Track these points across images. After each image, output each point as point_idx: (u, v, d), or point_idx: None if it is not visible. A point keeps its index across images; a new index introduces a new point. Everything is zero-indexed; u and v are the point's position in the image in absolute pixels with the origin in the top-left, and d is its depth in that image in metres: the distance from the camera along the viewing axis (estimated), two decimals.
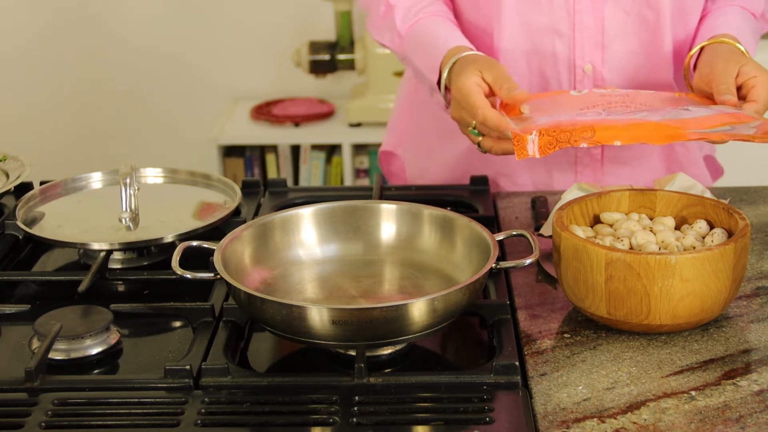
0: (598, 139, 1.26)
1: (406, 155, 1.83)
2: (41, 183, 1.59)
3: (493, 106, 1.39)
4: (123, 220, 1.43)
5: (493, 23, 1.57)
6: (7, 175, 1.63)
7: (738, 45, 1.48)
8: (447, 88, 1.48)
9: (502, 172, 1.68)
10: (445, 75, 1.47)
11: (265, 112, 3.52)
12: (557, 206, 1.37)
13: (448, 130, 1.58)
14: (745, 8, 1.60)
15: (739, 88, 1.39)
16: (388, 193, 1.61)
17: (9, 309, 1.30)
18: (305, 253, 1.33)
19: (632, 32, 1.57)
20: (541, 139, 1.25)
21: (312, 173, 3.52)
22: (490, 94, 1.41)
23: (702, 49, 1.51)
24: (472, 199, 1.59)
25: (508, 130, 1.33)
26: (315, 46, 3.43)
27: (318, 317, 1.11)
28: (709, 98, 1.42)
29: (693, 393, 1.11)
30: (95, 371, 1.19)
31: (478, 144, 1.41)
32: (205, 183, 1.59)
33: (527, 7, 1.55)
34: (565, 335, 1.23)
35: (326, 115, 3.51)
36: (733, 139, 1.23)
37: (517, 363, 1.11)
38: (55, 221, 1.49)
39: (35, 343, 1.20)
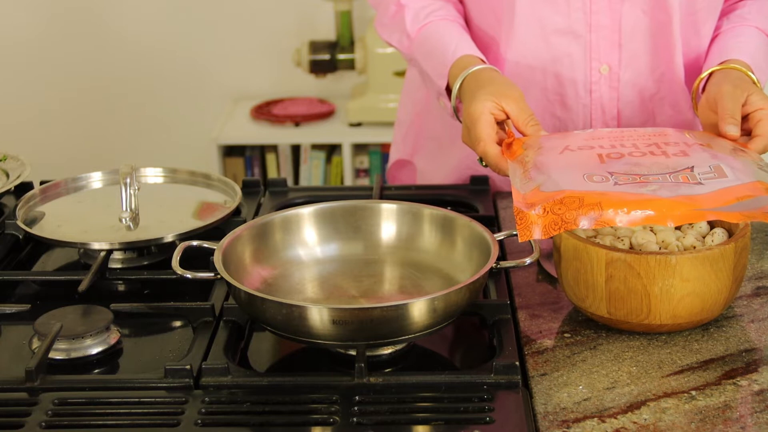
0: (605, 220, 1.14)
1: (419, 163, 1.82)
2: (41, 183, 1.59)
3: (505, 133, 1.37)
4: (123, 220, 1.43)
5: (505, 27, 1.55)
6: (8, 175, 1.63)
7: (750, 74, 1.45)
8: (457, 98, 1.47)
9: None
10: (456, 88, 1.44)
11: (265, 111, 3.52)
12: None
13: (456, 134, 1.57)
14: (761, 29, 1.56)
15: (744, 119, 1.36)
16: (388, 192, 1.60)
17: (9, 309, 1.30)
18: (305, 253, 1.33)
19: (648, 33, 1.54)
20: (545, 218, 1.16)
21: (312, 173, 3.52)
22: (503, 120, 1.37)
23: (712, 73, 1.47)
24: (472, 198, 1.59)
25: (505, 171, 1.31)
26: (315, 46, 3.43)
27: (318, 317, 1.11)
28: (715, 126, 1.37)
29: (693, 393, 1.11)
30: (95, 371, 1.19)
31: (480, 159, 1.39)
32: (205, 183, 1.59)
33: (543, 8, 1.53)
34: (566, 335, 1.23)
35: (326, 114, 3.51)
36: (747, 219, 1.17)
37: (517, 363, 1.11)
38: (55, 221, 1.49)
39: (35, 343, 1.20)
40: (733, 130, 1.33)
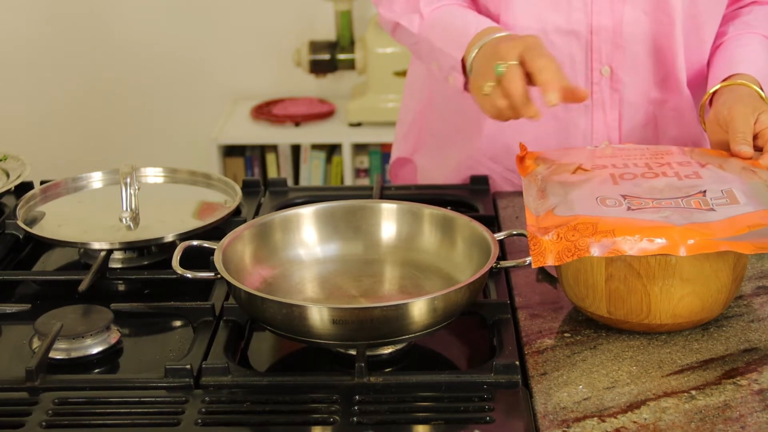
0: (617, 248, 1.14)
1: (420, 160, 1.82)
2: (41, 182, 1.59)
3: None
4: (123, 220, 1.44)
5: (508, 25, 1.54)
6: (8, 175, 1.63)
7: (758, 90, 1.45)
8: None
9: (511, 168, 1.65)
10: (474, 53, 1.40)
11: (265, 111, 3.52)
12: None
13: (455, 132, 1.56)
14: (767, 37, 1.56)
15: (755, 137, 1.36)
16: (389, 192, 1.61)
17: (9, 308, 1.30)
18: (305, 253, 1.33)
19: (650, 34, 1.54)
20: (559, 244, 1.16)
21: (312, 173, 3.52)
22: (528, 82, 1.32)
23: (719, 88, 1.47)
24: (472, 198, 1.59)
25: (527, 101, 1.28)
26: (315, 46, 3.43)
27: (318, 317, 1.11)
28: (724, 143, 1.38)
29: (693, 392, 1.11)
30: (96, 371, 1.19)
31: (489, 100, 1.33)
32: (206, 183, 1.59)
33: (543, 8, 1.53)
34: (566, 335, 1.23)
35: (326, 114, 3.51)
36: (759, 251, 1.17)
37: (517, 362, 1.11)
38: (56, 221, 1.49)
39: (36, 343, 1.21)
40: (746, 149, 1.34)
